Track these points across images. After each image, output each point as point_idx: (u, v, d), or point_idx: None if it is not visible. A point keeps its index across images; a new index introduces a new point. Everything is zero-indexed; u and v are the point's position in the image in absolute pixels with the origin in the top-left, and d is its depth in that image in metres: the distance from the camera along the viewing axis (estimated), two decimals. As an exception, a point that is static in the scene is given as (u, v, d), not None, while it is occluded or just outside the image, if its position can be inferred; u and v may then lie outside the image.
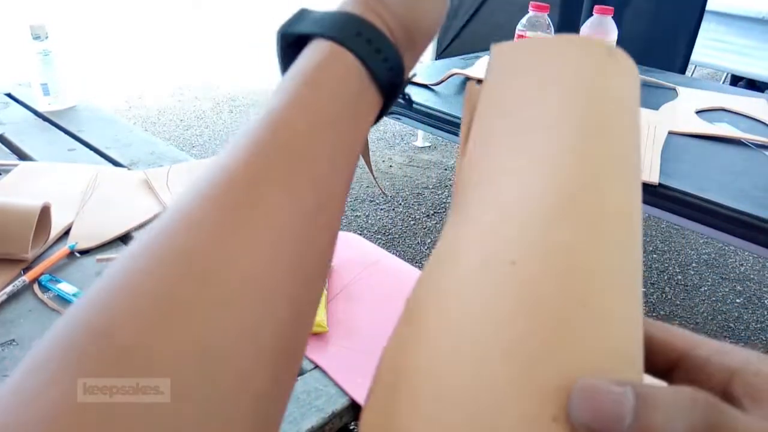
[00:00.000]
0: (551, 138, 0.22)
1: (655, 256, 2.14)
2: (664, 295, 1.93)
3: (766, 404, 0.17)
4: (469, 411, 0.17)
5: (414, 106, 1.29)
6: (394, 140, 2.96)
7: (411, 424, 0.17)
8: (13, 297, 0.66)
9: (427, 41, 0.29)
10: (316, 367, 0.60)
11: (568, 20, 2.14)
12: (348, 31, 0.25)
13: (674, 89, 1.47)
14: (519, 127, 0.23)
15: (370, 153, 1.55)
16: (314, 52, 0.25)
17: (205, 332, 0.17)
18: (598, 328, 0.18)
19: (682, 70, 1.99)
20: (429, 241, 2.14)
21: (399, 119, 1.32)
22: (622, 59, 0.25)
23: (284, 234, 0.20)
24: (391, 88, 0.27)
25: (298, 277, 0.20)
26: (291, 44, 0.27)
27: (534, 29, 1.18)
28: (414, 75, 0.30)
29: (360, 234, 1.38)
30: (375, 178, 0.99)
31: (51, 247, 0.76)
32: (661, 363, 0.21)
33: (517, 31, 1.21)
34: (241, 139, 0.22)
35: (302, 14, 0.27)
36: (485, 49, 1.73)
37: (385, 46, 0.26)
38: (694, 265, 2.10)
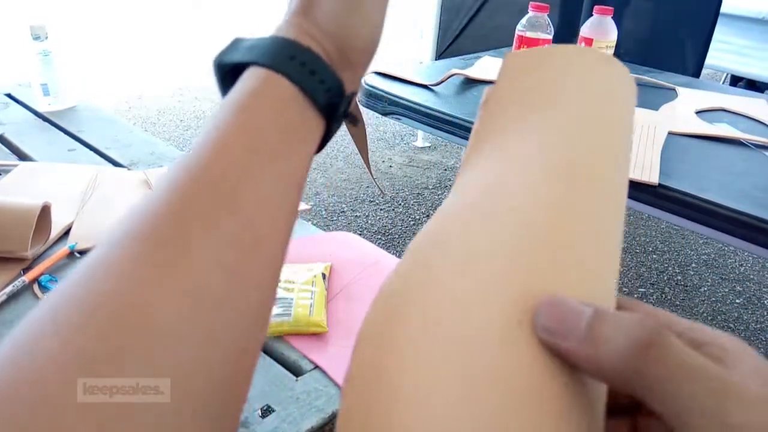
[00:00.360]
0: (551, 128, 0.26)
1: (655, 256, 2.14)
2: (664, 296, 1.93)
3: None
4: (448, 314, 0.20)
5: (414, 106, 1.29)
6: (394, 140, 2.96)
7: (406, 314, 0.20)
8: (12, 297, 0.66)
9: (366, 58, 0.29)
10: (316, 367, 0.60)
11: (568, 20, 2.14)
12: (281, 56, 0.25)
13: (674, 89, 1.47)
14: (526, 112, 0.27)
15: (370, 153, 1.55)
16: (248, 79, 0.25)
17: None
18: (573, 267, 0.21)
19: (696, 74, 1.99)
20: (429, 241, 2.14)
21: (399, 119, 1.32)
22: (618, 67, 0.29)
23: (210, 274, 0.20)
24: (331, 109, 0.26)
25: (229, 317, 0.20)
26: (228, 74, 0.27)
27: (534, 29, 1.18)
28: (354, 93, 0.29)
29: (360, 234, 1.38)
30: (374, 179, 0.99)
31: (51, 247, 0.76)
32: None
33: (517, 32, 1.21)
34: (172, 172, 0.22)
35: (236, 43, 0.27)
36: (485, 49, 1.73)
37: (320, 68, 0.26)
38: (693, 265, 2.10)
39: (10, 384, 0.16)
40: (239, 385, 0.21)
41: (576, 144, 0.25)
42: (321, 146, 0.28)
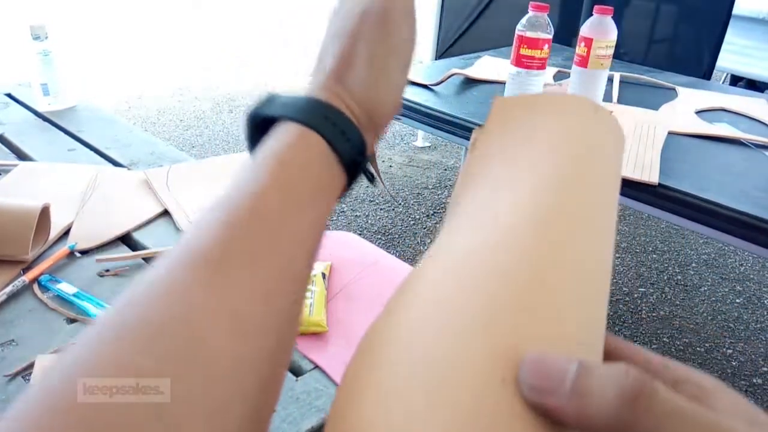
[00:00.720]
0: (534, 173, 0.26)
1: (654, 256, 2.14)
2: (664, 295, 1.93)
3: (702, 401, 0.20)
4: (430, 371, 0.19)
5: (414, 106, 1.29)
6: (394, 140, 2.96)
7: (384, 377, 0.20)
8: (12, 297, 0.66)
9: (386, 122, 0.32)
10: (316, 367, 0.60)
11: (568, 20, 2.14)
12: (316, 115, 0.28)
13: (674, 89, 1.47)
14: (509, 162, 0.27)
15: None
16: (285, 133, 0.27)
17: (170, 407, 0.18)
18: (555, 316, 0.21)
19: (707, 76, 1.98)
20: (429, 241, 2.14)
21: (399, 119, 1.32)
22: (606, 116, 0.29)
23: (253, 306, 0.22)
24: (353, 166, 0.29)
25: (266, 345, 0.22)
26: (258, 125, 0.29)
27: (534, 29, 1.18)
28: (375, 153, 0.33)
29: (360, 234, 1.38)
30: (384, 185, 1.00)
31: (51, 247, 0.76)
32: None
33: (517, 32, 1.21)
34: (216, 213, 0.24)
35: (271, 99, 0.30)
36: (485, 49, 1.73)
37: (349, 129, 0.29)
38: (693, 265, 2.10)
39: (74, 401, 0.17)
40: (269, 409, 0.22)
41: (560, 193, 0.25)
42: (340, 197, 0.30)
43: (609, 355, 0.22)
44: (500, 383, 0.18)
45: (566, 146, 0.27)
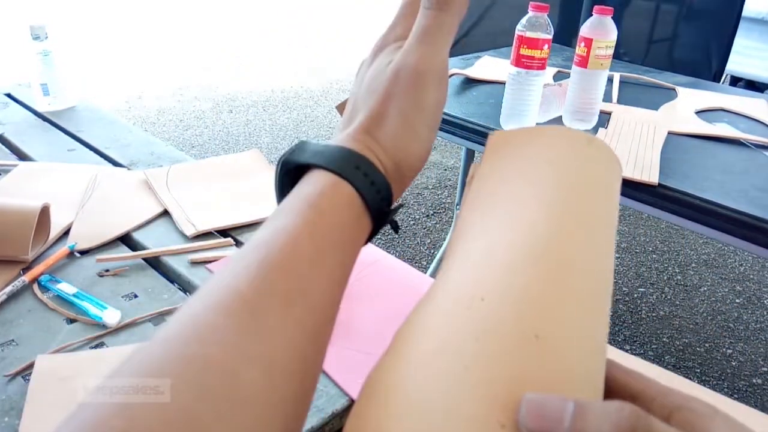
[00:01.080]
0: (530, 206, 0.26)
1: (654, 256, 2.14)
2: (663, 295, 1.93)
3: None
4: (429, 417, 0.20)
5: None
6: (393, 140, 2.96)
7: (382, 423, 0.21)
8: (12, 297, 0.67)
9: (413, 174, 0.33)
10: (316, 367, 0.60)
11: (568, 20, 2.14)
12: (347, 165, 0.29)
13: (674, 89, 1.48)
14: (505, 196, 0.28)
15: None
16: (317, 180, 0.29)
17: None
18: (548, 356, 0.21)
19: (717, 79, 1.98)
20: (428, 241, 2.14)
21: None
22: (601, 148, 0.29)
23: (285, 347, 0.23)
24: (380, 215, 0.30)
25: (295, 383, 0.23)
26: (290, 171, 0.31)
27: (534, 29, 1.18)
28: (401, 204, 0.35)
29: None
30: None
31: (51, 247, 0.76)
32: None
33: (516, 32, 1.21)
34: (253, 254, 0.25)
35: (303, 146, 0.31)
36: (485, 49, 1.73)
37: (378, 179, 0.30)
38: (693, 265, 2.10)
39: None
40: None
41: (555, 230, 0.25)
42: (366, 243, 0.32)
43: (609, 383, 0.23)
44: (499, 429, 0.19)
45: (561, 180, 0.27)
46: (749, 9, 2.85)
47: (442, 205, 2.39)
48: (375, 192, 0.29)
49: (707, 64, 1.97)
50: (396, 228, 0.34)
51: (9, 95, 1.27)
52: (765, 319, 1.83)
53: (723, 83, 3.10)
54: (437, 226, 2.24)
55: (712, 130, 1.20)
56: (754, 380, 1.60)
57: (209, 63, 4.10)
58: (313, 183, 0.29)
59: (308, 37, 4.93)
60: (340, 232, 0.28)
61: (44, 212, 0.75)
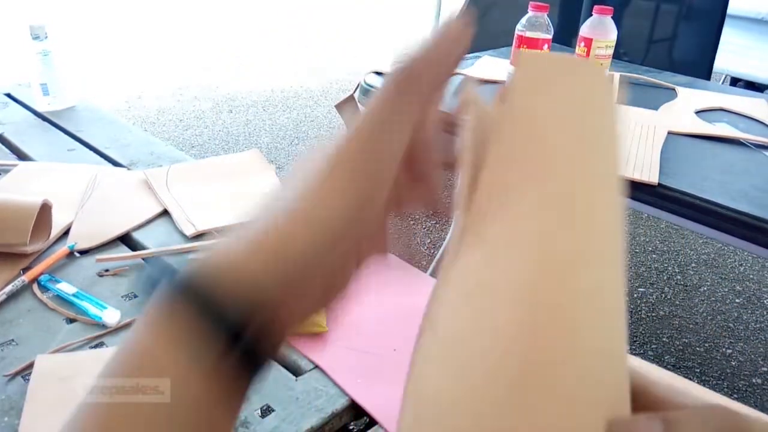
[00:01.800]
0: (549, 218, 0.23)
1: (654, 256, 2.14)
2: (663, 295, 1.93)
3: None
4: None
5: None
6: (393, 140, 2.96)
7: None
8: (12, 297, 0.67)
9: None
10: (316, 367, 0.60)
11: (568, 20, 2.14)
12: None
13: (674, 89, 1.47)
14: (539, 165, 0.25)
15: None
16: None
17: None
18: (579, 381, 0.19)
19: (707, 76, 1.98)
20: (429, 241, 2.14)
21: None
22: (608, 78, 0.27)
23: None
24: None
25: None
26: None
27: (534, 29, 1.18)
28: None
29: (360, 234, 1.38)
30: None
31: (51, 247, 0.76)
32: (641, 408, 0.22)
33: (516, 32, 1.21)
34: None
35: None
36: (484, 49, 1.73)
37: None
38: (693, 265, 2.10)
39: None
40: None
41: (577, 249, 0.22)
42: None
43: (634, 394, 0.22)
44: None
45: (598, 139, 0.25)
46: (749, 9, 2.86)
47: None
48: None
49: (707, 64, 1.97)
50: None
51: (9, 95, 1.27)
52: (765, 319, 1.83)
53: (723, 83, 3.10)
54: (437, 226, 2.24)
55: (712, 130, 1.20)
56: (754, 380, 1.60)
57: (209, 63, 4.10)
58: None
59: (308, 37, 4.93)
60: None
61: (45, 209, 0.74)
